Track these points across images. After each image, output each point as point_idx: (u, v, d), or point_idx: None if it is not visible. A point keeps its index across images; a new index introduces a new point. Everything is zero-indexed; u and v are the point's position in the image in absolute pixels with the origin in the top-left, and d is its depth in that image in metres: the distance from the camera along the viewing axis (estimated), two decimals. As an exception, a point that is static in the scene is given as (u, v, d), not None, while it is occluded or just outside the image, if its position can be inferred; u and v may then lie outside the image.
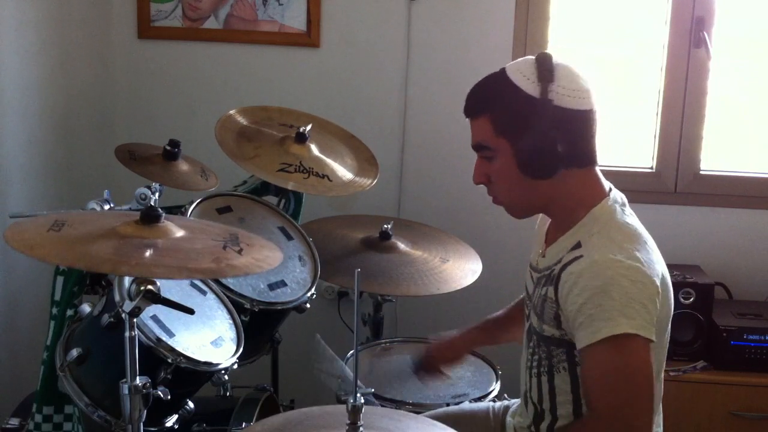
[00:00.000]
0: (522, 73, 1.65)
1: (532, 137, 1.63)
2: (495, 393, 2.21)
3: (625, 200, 1.75)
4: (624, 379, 1.55)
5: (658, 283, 1.60)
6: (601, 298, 1.54)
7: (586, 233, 1.66)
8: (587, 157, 1.69)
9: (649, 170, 3.08)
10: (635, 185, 2.99)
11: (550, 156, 1.63)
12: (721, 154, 3.09)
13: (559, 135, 1.62)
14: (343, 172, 2.40)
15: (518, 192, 1.72)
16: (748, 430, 2.72)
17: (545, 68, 1.63)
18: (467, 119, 1.73)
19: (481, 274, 2.44)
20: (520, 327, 1.91)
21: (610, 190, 1.74)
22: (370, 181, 2.43)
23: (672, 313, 1.73)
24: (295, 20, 3.01)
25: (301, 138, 2.35)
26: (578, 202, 1.69)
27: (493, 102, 1.68)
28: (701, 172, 3.05)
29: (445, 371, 2.21)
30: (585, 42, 3.05)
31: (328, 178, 2.33)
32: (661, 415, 1.82)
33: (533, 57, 1.68)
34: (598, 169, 1.73)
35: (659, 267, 1.65)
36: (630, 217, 1.71)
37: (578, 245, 1.65)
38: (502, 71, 1.69)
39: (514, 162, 1.66)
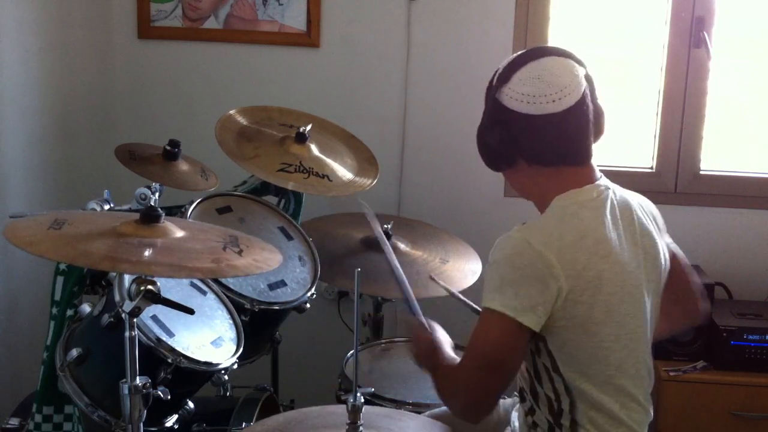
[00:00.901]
0: (502, 65, 1.68)
1: (481, 126, 1.70)
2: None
3: (602, 197, 1.68)
4: (479, 346, 1.65)
5: (565, 278, 1.57)
6: (489, 272, 1.63)
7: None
8: (548, 158, 1.67)
9: (649, 170, 3.08)
10: (635, 185, 2.93)
11: (491, 149, 1.68)
12: (721, 154, 3.09)
13: (504, 132, 1.65)
14: (343, 172, 2.40)
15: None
16: (748, 430, 2.72)
17: (511, 67, 1.65)
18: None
19: (481, 274, 2.44)
20: None
21: (588, 186, 1.68)
22: (370, 181, 2.43)
23: (606, 314, 1.64)
24: (295, 20, 3.00)
25: (301, 138, 2.35)
26: (548, 196, 1.68)
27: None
28: (701, 172, 3.05)
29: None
30: (585, 42, 3.05)
31: (328, 178, 2.33)
32: (648, 408, 1.75)
33: (524, 50, 1.69)
34: (580, 168, 1.69)
35: (590, 265, 1.60)
36: (584, 210, 1.64)
37: None
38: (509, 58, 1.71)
39: None
